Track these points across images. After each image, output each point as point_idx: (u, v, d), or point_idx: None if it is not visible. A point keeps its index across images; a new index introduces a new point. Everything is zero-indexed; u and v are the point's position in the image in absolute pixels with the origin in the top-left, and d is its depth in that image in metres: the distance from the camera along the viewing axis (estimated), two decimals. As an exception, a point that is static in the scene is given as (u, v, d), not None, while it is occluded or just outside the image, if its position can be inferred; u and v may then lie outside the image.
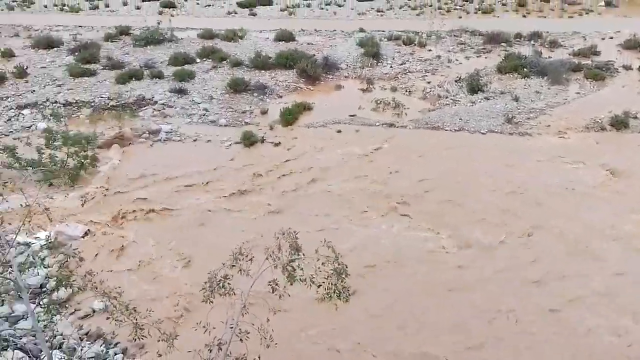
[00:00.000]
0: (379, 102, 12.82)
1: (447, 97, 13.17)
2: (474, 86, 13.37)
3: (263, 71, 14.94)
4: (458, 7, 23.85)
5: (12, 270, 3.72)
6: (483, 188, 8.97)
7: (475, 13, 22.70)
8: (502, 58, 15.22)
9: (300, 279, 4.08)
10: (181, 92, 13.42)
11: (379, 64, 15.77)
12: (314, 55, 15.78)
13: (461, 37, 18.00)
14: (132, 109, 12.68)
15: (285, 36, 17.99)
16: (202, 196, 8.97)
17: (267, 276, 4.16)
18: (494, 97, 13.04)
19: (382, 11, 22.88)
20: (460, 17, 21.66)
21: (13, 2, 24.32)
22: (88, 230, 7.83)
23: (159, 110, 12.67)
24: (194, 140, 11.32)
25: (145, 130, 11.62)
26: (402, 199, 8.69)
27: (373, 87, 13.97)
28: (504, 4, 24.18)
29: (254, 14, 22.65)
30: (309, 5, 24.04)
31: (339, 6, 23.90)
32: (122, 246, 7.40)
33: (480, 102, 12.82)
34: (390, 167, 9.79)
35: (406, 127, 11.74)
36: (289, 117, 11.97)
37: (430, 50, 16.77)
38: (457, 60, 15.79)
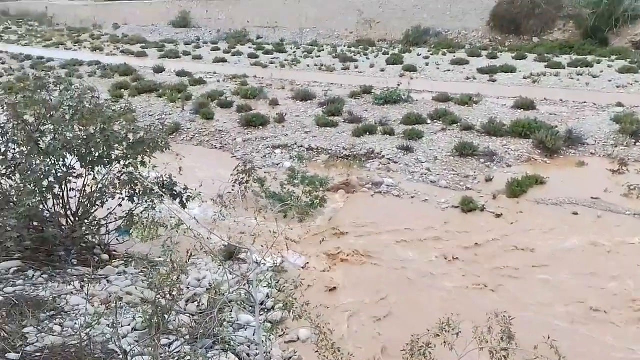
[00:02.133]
0: (632, 187, 10.89)
1: None
2: None
3: (494, 137, 14.41)
4: None
5: (250, 285, 4.32)
6: None
7: None
8: None
9: (510, 372, 3.62)
10: (407, 149, 13.92)
11: (637, 143, 13.52)
12: (556, 126, 14.51)
13: None
14: (361, 159, 13.68)
15: (524, 104, 17.09)
16: (411, 253, 8.95)
17: (471, 356, 3.82)
18: None
19: (648, 84, 19.75)
20: None
21: (285, 60, 29.44)
22: (307, 262, 8.60)
23: (384, 164, 13.35)
24: (411, 197, 11.49)
25: (369, 181, 12.36)
26: (649, 308, 7.05)
27: (626, 169, 11.98)
28: None
29: (494, 80, 22.25)
30: (556, 74, 22.41)
31: (594, 77, 21.58)
32: (333, 286, 7.87)
33: None
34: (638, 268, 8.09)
35: (668, 222, 9.62)
36: (517, 188, 11.14)
37: None
38: None
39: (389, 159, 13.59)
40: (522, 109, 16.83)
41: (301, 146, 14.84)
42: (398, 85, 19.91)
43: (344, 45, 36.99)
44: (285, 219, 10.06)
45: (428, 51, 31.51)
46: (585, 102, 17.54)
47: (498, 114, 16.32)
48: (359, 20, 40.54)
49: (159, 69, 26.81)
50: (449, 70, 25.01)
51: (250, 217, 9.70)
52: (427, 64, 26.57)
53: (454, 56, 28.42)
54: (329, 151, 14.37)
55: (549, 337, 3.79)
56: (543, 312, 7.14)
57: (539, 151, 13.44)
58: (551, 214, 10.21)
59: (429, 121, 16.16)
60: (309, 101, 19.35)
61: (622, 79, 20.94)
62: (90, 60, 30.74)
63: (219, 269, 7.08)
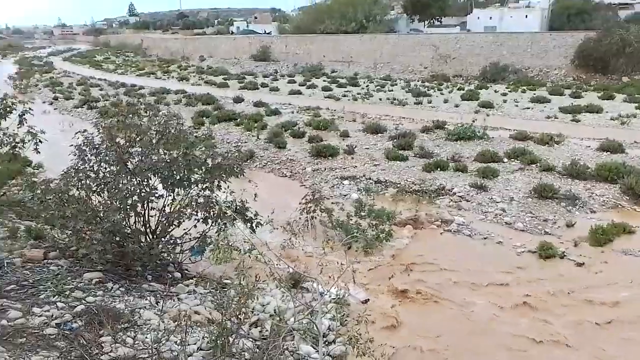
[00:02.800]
0: None
1: None
2: None
3: (577, 180, 13.56)
4: None
5: (314, 315, 4.31)
6: None
7: None
8: None
9: None
10: (481, 188, 13.43)
11: None
12: (648, 172, 13.40)
13: None
14: (431, 196, 13.38)
15: (611, 147, 16.00)
16: (481, 298, 8.50)
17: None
18: None
19: None
20: None
21: (357, 94, 29.89)
22: (368, 298, 8.43)
23: (456, 202, 12.94)
24: (484, 238, 11.00)
25: (439, 218, 12.01)
26: None
27: None
28: None
29: (577, 120, 21.09)
30: (648, 116, 20.86)
31: (694, 120, 19.86)
32: (397, 324, 7.64)
33: None
34: None
35: None
36: (602, 236, 10.31)
37: None
38: None
39: (460, 196, 13.18)
40: (608, 152, 15.76)
41: (370, 179, 14.81)
42: (473, 121, 19.46)
43: (418, 80, 36.96)
44: (350, 250, 9.99)
45: (506, 88, 30.66)
46: (683, 147, 16.11)
47: (582, 156, 15.39)
48: (434, 56, 40.44)
49: (238, 100, 28.23)
50: (528, 108, 24.11)
51: (317, 246, 9.77)
52: (505, 101, 25.81)
53: (534, 94, 27.41)
54: (398, 185, 14.21)
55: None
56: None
57: (628, 198, 12.44)
58: (641, 267, 9.32)
59: (505, 160, 15.56)
60: (379, 134, 19.39)
61: None
62: (177, 89, 33.06)
63: (283, 296, 7.15)
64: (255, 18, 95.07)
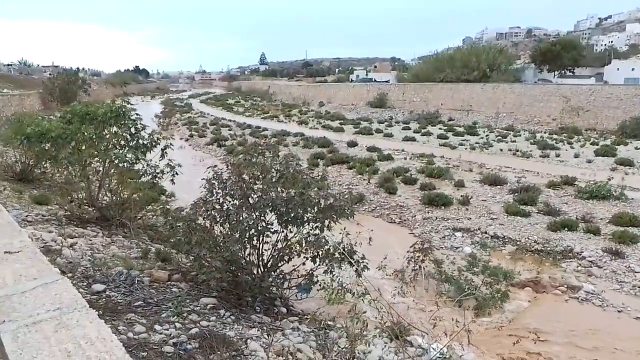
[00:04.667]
0: None
1: None
2: None
3: None
4: None
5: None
6: None
7: None
8: None
9: None
10: (617, 254, 11.91)
11: None
12: None
13: None
14: (555, 257, 12.18)
15: None
16: (615, 381, 7.37)
17: None
18: None
19: None
20: None
21: (476, 143, 28.79)
22: (478, 361, 7.77)
23: (585, 267, 11.62)
24: (619, 312, 9.64)
25: (564, 283, 10.83)
26: None
27: None
28: None
29: None
30: None
31: None
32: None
33: None
34: None
35: None
36: None
37: None
38: None
39: (591, 261, 11.80)
40: None
41: (485, 233, 13.97)
42: (609, 179, 17.58)
43: (545, 132, 34.65)
44: (459, 308, 9.38)
45: (650, 145, 27.35)
46: None
47: None
48: (565, 108, 37.78)
49: (352, 144, 28.93)
50: (678, 168, 21.16)
51: (427, 299, 9.35)
52: (648, 159, 22.99)
53: (684, 152, 24.05)
54: (518, 242, 13.19)
55: None
56: None
57: None
58: None
59: (647, 225, 13.69)
60: (498, 187, 18.36)
61: None
62: (296, 132, 34.93)
63: (386, 346, 6.88)
64: (375, 67, 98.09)
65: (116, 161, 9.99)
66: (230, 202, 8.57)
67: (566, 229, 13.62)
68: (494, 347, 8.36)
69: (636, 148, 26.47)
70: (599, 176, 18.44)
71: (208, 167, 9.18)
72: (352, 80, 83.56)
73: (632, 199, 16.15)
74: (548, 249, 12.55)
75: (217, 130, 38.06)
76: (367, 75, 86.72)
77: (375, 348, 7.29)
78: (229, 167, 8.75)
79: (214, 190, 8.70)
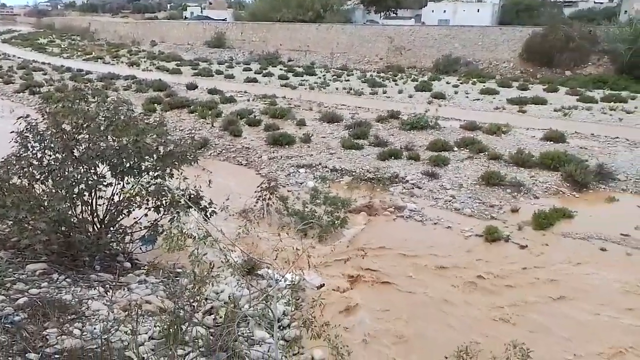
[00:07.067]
0: (665, 226, 10.55)
1: None
2: None
3: (522, 169, 14.21)
4: None
5: (269, 301, 4.33)
6: None
7: None
8: None
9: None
10: (432, 176, 13.83)
11: (672, 182, 13.11)
12: (586, 160, 14.23)
13: None
14: (385, 183, 13.65)
15: (554, 137, 16.85)
16: (431, 280, 8.81)
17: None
18: None
19: (687, 123, 19.23)
20: None
21: (314, 83, 29.88)
22: (323, 283, 8.54)
23: (409, 189, 13.27)
24: (434, 224, 11.36)
25: (392, 205, 12.29)
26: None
27: (660, 208, 11.62)
28: None
29: (524, 111, 22.03)
30: (588, 109, 22.06)
31: (628, 113, 21.17)
32: (351, 307, 7.80)
33: None
34: (671, 310, 7.77)
35: (703, 264, 9.25)
36: (544, 221, 10.91)
37: None
38: None
39: (413, 184, 13.52)
40: (552, 142, 16.59)
41: (326, 167, 14.91)
42: (426, 112, 19.92)
43: (374, 71, 37.35)
44: (305, 237, 10.07)
45: (458, 80, 31.55)
46: (618, 137, 17.18)
47: (527, 145, 16.12)
48: (390, 47, 40.96)
49: (192, 86, 27.56)
50: (478, 99, 24.93)
51: (273, 233, 9.78)
52: (456, 93, 26.55)
53: (484, 86, 28.35)
54: (353, 173, 14.39)
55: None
56: (565, 348, 6.90)
57: (568, 185, 13.17)
58: (578, 249, 9.94)
59: (455, 149, 16.07)
60: (336, 123, 19.50)
61: (659, 115, 20.48)
62: (127, 75, 31.84)
63: (237, 283, 7.12)
64: (210, 4, 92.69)
65: None
66: (51, 156, 7.63)
67: (393, 157, 15.27)
68: (339, 267, 9.25)
69: (447, 83, 30.28)
70: (418, 109, 20.79)
71: (19, 118, 7.94)
72: (186, 18, 78.11)
73: (444, 127, 18.67)
74: (379, 176, 13.98)
75: (27, 75, 32.67)
76: (202, 12, 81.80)
77: (228, 287, 7.50)
78: (46, 116, 7.70)
79: (29, 145, 7.64)
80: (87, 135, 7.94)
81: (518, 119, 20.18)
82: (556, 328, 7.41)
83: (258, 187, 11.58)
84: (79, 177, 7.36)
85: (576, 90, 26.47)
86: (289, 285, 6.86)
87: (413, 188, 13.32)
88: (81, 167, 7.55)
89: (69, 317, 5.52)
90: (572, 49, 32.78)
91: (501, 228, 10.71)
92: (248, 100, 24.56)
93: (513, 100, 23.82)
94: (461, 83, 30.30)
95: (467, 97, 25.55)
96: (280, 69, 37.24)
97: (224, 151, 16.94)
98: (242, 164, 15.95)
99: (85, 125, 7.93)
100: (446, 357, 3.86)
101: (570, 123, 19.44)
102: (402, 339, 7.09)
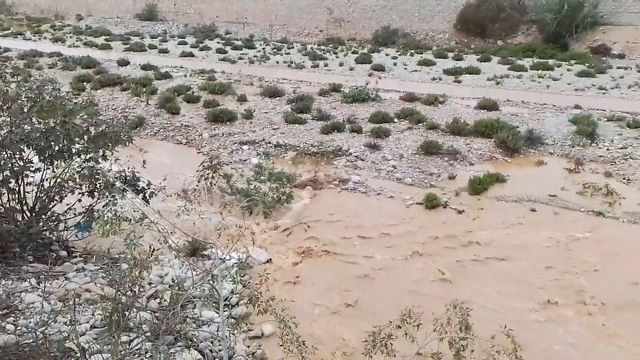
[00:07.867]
0: (587, 185, 11.39)
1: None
2: None
3: (458, 137, 14.76)
4: None
5: (214, 281, 4.29)
6: None
7: None
8: None
9: (467, 361, 3.75)
10: (375, 147, 14.08)
11: (592, 144, 14.12)
12: (517, 127, 14.98)
13: None
14: (329, 157, 13.76)
15: (488, 105, 17.57)
16: (376, 249, 9.08)
17: (432, 347, 3.93)
18: None
19: (605, 89, 20.61)
20: None
21: (254, 57, 29.22)
22: (270, 259, 8.59)
23: (352, 162, 13.46)
24: (378, 194, 11.64)
25: (337, 178, 12.44)
26: (600, 302, 7.40)
27: (582, 169, 12.51)
28: None
29: (459, 81, 22.75)
30: (519, 77, 23.13)
31: (554, 80, 22.40)
32: (298, 281, 7.91)
33: None
34: (591, 262, 8.49)
35: (619, 219, 10.12)
36: (479, 186, 11.46)
37: (664, 136, 14.36)
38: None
39: (356, 156, 13.71)
40: (485, 110, 17.28)
41: (269, 143, 14.78)
42: (367, 84, 20.09)
43: (314, 44, 37.01)
44: (251, 215, 10.01)
45: (396, 51, 31.91)
46: (545, 104, 18.18)
47: (462, 114, 16.71)
48: (329, 19, 40.64)
49: (123, 62, 26.12)
50: (416, 70, 25.40)
51: (216, 212, 9.64)
52: (395, 64, 26.90)
53: (421, 57, 28.87)
54: (297, 148, 14.37)
55: (505, 327, 3.93)
56: (501, 304, 7.39)
57: (501, 150, 13.85)
58: (511, 211, 10.56)
59: (396, 120, 16.38)
60: (277, 98, 19.26)
61: (580, 82, 21.81)
62: (51, 52, 29.59)
63: (182, 265, 7.00)
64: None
65: None
66: (-33, 142, 7.04)
67: (336, 131, 15.35)
68: (284, 242, 9.30)
69: (386, 55, 30.57)
70: (359, 81, 20.92)
71: None
72: (113, -11, 73.33)
73: (384, 99, 18.94)
74: (322, 150, 14.05)
75: None
76: (130, -17, 77.02)
77: (172, 269, 7.37)
78: (-44, 99, 7.06)
79: (-60, 130, 7.00)
80: (9, 118, 7.40)
81: (454, 89, 20.81)
82: (493, 286, 7.90)
83: (200, 165, 11.31)
84: (2, 164, 6.87)
85: (507, 59, 27.57)
86: (235, 263, 6.87)
87: (356, 160, 13.51)
88: (4, 153, 7.04)
89: (0, 313, 5.23)
90: (503, 19, 33.99)
91: (440, 195, 11.15)
92: (185, 75, 23.64)
93: (449, 70, 24.48)
94: (400, 55, 30.69)
95: (406, 68, 25.97)
96: (218, 42, 36.01)
97: (161, 130, 16.33)
98: (181, 143, 15.48)
99: (5, 107, 7.36)
100: (390, 322, 4.00)
101: (503, 91, 20.32)
102: (348, 308, 7.30)
